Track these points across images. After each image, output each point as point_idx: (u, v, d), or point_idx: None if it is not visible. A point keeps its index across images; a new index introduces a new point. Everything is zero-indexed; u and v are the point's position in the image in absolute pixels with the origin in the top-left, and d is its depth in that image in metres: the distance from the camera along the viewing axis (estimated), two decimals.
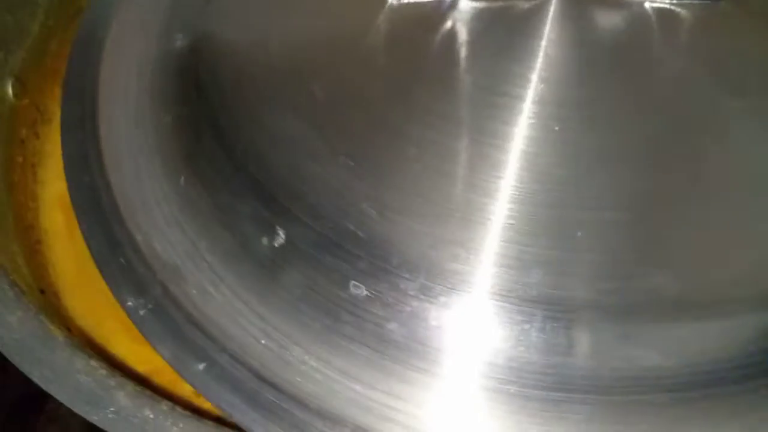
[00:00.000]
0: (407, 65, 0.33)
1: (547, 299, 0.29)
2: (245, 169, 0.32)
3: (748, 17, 0.34)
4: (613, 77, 0.32)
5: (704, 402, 0.28)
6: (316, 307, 0.30)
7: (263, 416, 0.29)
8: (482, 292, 0.29)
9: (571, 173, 0.31)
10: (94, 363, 0.29)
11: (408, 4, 0.34)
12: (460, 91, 0.32)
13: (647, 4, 0.33)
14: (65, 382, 0.29)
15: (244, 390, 0.29)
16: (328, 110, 0.33)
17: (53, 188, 0.41)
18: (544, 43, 0.32)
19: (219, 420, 0.29)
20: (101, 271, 0.33)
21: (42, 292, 0.37)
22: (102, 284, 0.33)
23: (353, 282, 0.29)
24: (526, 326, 0.29)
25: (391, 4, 0.34)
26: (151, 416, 0.28)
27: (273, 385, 0.29)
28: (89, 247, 0.33)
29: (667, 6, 0.33)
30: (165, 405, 0.28)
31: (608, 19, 0.33)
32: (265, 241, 0.31)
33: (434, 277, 0.29)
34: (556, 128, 0.31)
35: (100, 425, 0.28)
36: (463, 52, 0.33)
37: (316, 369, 0.29)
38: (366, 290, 0.29)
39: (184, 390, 0.33)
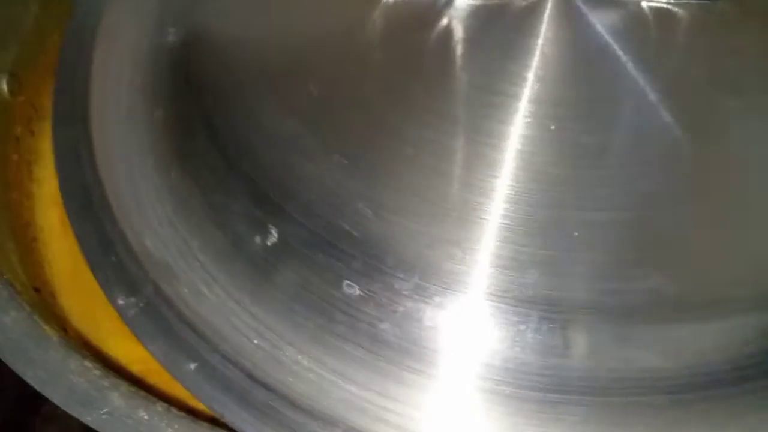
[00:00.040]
0: (402, 63, 0.33)
1: (544, 300, 0.29)
2: (238, 168, 0.32)
3: (744, 17, 0.34)
4: (609, 76, 0.32)
5: (702, 403, 0.28)
6: (309, 307, 0.29)
7: (255, 417, 0.29)
8: (478, 292, 0.29)
9: (567, 173, 0.30)
10: (88, 363, 0.29)
11: (403, 1, 0.34)
12: (455, 90, 0.32)
13: (644, 4, 0.33)
14: (59, 383, 0.29)
15: (236, 390, 0.29)
16: (322, 108, 0.32)
17: (49, 186, 0.41)
18: (540, 41, 0.32)
19: (214, 421, 0.29)
20: (93, 269, 0.33)
21: (37, 290, 0.37)
22: None
23: (347, 281, 0.29)
24: (522, 327, 0.28)
25: (387, 1, 0.34)
26: (146, 417, 0.28)
27: (265, 385, 0.29)
28: (81, 244, 0.34)
29: (664, 5, 0.33)
30: (160, 406, 0.28)
31: (605, 18, 0.32)
32: (258, 240, 0.31)
33: (429, 277, 0.29)
34: (553, 127, 0.31)
35: (94, 426, 0.28)
36: (459, 50, 0.33)
37: (309, 369, 0.29)
38: (360, 290, 0.29)
39: (182, 390, 0.33)
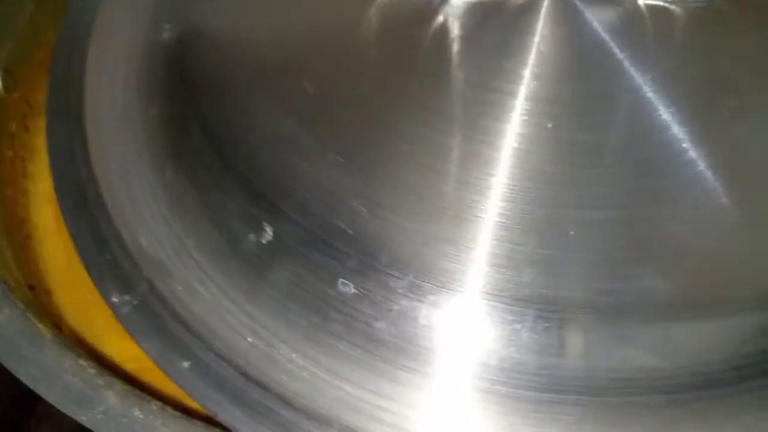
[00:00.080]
0: (398, 61, 0.33)
1: (540, 299, 0.28)
2: (233, 166, 0.32)
3: (741, 14, 0.34)
4: (606, 74, 0.32)
5: (699, 403, 0.28)
6: (303, 305, 0.29)
7: (249, 415, 0.29)
8: (473, 291, 0.29)
9: (563, 171, 0.30)
10: (82, 362, 0.29)
11: None
12: (451, 88, 0.32)
13: (641, 1, 0.33)
14: (53, 382, 0.28)
15: (230, 389, 0.29)
16: (318, 106, 0.32)
17: (43, 183, 0.41)
18: (537, 39, 0.32)
19: (209, 420, 0.29)
20: (87, 266, 0.33)
21: (31, 288, 0.37)
22: None
23: (342, 280, 0.29)
24: (518, 326, 0.28)
25: None
26: (141, 416, 0.28)
27: (259, 384, 0.29)
28: (75, 242, 0.33)
29: (661, 3, 0.33)
30: (155, 405, 0.28)
31: (602, 16, 0.32)
32: (252, 238, 0.30)
33: (424, 276, 0.29)
34: (549, 125, 0.31)
35: (89, 425, 0.27)
36: (455, 47, 0.32)
37: (303, 368, 0.29)
38: (355, 288, 0.29)
39: (176, 388, 0.33)
